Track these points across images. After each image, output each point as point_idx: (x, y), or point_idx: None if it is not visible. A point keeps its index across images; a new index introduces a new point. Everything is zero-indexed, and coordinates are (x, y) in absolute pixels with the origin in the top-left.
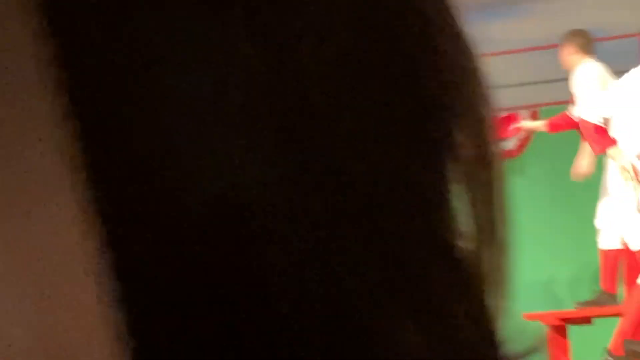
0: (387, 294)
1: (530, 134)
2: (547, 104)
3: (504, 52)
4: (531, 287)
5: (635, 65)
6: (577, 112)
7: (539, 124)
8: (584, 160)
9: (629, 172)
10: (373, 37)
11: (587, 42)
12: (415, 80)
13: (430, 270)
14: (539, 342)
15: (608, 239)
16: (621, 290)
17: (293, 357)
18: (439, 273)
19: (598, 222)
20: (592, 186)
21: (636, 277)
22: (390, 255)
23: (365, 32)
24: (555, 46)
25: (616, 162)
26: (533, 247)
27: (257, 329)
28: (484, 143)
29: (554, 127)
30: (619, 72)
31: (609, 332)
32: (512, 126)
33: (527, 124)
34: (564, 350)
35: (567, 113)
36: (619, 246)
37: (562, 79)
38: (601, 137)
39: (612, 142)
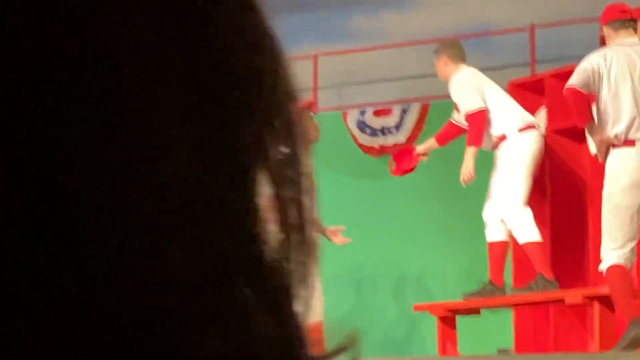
0: (190, 302)
1: (427, 154)
2: (438, 97)
3: (395, 45)
4: (426, 279)
5: (526, 59)
6: (459, 117)
7: (431, 143)
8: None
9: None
10: (178, 44)
11: (460, 51)
12: (223, 85)
13: (236, 278)
14: (350, 341)
15: (494, 232)
16: (509, 282)
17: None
18: (245, 281)
19: (485, 216)
20: (484, 183)
21: (524, 269)
22: (194, 262)
23: (169, 37)
24: (447, 39)
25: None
26: (427, 241)
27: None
28: (293, 144)
29: (442, 139)
30: (509, 65)
31: (496, 322)
32: (410, 162)
33: (421, 148)
34: (452, 340)
35: (451, 121)
36: (505, 238)
37: None
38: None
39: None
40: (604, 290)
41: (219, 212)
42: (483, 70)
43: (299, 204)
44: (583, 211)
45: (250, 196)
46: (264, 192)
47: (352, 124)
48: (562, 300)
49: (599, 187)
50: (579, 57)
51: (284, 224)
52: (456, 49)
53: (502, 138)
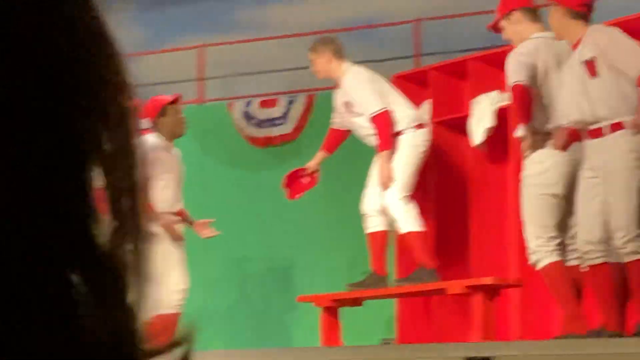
0: (16, 294)
1: (319, 168)
2: (323, 89)
3: (281, 37)
4: (312, 271)
5: (409, 52)
6: (340, 121)
7: (320, 156)
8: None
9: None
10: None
11: (339, 47)
12: (53, 79)
13: (66, 268)
14: (188, 334)
15: (374, 222)
16: (391, 272)
17: None
18: (76, 271)
19: (364, 207)
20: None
21: (407, 259)
22: (22, 252)
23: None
24: (332, 31)
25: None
26: (314, 234)
27: None
28: (126, 136)
29: (330, 147)
30: (394, 57)
31: (378, 313)
32: (304, 180)
33: (312, 164)
34: (335, 331)
35: (333, 128)
36: (384, 228)
37: None
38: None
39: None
40: (485, 280)
41: (50, 202)
42: (367, 63)
43: (132, 194)
44: (465, 203)
45: (83, 187)
46: (98, 182)
47: (238, 115)
48: (444, 291)
49: (481, 178)
50: (464, 51)
51: (117, 213)
52: (337, 44)
53: (397, 134)
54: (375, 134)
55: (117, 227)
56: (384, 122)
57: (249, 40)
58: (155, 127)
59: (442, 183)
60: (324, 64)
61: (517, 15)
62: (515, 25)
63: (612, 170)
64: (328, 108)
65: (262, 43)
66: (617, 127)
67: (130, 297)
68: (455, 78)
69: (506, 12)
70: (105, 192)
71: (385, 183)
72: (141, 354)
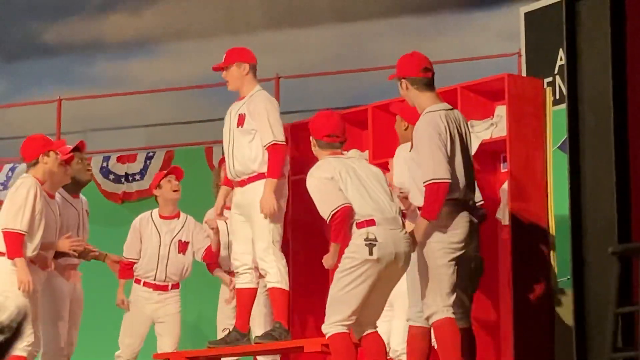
0: None
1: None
2: (182, 145)
3: (140, 92)
4: (201, 326)
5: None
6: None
7: (224, 191)
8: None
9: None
10: None
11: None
12: None
13: None
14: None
15: (243, 278)
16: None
17: None
18: None
19: (234, 262)
20: None
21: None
22: None
23: None
24: (191, 87)
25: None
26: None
27: None
28: None
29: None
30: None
31: None
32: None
33: (219, 204)
34: None
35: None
36: (253, 285)
37: (198, 120)
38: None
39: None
40: None
41: None
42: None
43: None
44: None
45: None
46: None
47: (95, 170)
48: (302, 348)
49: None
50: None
51: None
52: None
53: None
54: (265, 161)
55: None
56: (281, 152)
57: (108, 95)
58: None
59: (299, 237)
60: (246, 82)
61: (421, 82)
62: (422, 92)
63: None
64: (187, 164)
65: (122, 98)
66: None
67: None
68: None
69: (413, 75)
70: None
71: (269, 214)
72: None
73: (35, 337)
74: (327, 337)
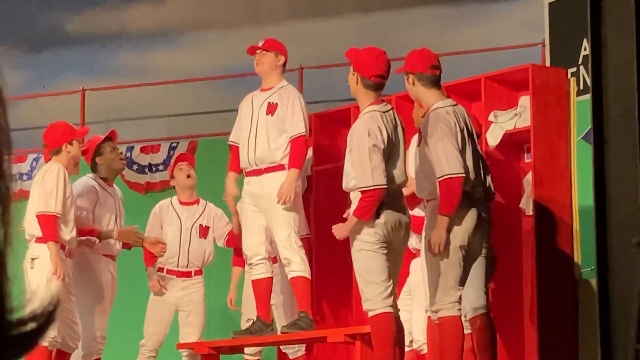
0: None
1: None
2: (206, 135)
3: (163, 83)
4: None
5: None
6: (233, 137)
7: (232, 177)
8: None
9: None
10: None
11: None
12: None
13: None
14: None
15: (259, 269)
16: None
17: None
18: None
19: (249, 253)
20: None
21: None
22: None
23: None
24: (215, 78)
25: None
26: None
27: None
28: None
29: (237, 167)
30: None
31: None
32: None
33: (230, 191)
34: None
35: (232, 145)
36: (270, 275)
37: (221, 110)
38: None
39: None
40: (364, 329)
41: None
42: None
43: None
44: (347, 251)
45: None
46: None
47: None
48: (325, 339)
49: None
50: (344, 101)
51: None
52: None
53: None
54: (287, 154)
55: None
56: (303, 144)
57: (131, 86)
58: (93, 167)
59: (321, 231)
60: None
61: (430, 78)
62: (430, 88)
63: None
64: (210, 154)
65: (145, 88)
66: None
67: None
68: (339, 126)
69: (420, 71)
70: None
71: (285, 202)
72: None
73: (66, 326)
74: (369, 315)
